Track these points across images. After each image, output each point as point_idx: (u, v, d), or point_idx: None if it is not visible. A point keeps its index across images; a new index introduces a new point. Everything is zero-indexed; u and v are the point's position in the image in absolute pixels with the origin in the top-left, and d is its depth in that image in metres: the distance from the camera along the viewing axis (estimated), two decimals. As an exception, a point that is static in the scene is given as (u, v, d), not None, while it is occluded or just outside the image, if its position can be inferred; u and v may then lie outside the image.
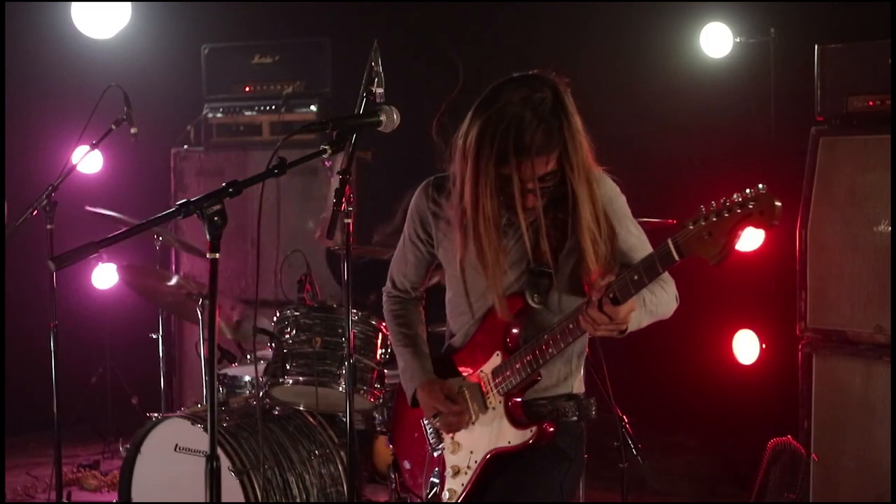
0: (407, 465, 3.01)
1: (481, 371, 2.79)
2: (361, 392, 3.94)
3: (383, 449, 5.02)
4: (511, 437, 2.72)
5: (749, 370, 5.17)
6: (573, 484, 2.82)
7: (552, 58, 2.63)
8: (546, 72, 2.60)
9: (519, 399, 2.73)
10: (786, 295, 4.52)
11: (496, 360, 2.75)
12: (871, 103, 4.21)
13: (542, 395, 2.77)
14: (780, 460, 4.43)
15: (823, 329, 4.28)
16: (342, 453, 4.07)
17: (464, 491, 2.78)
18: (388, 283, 3.06)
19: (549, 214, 2.62)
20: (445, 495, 2.82)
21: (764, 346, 5.08)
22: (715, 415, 5.60)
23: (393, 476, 2.90)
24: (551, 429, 2.70)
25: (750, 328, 5.15)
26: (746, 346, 5.14)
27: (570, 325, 2.59)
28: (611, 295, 2.46)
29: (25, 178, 5.49)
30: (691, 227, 2.29)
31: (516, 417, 2.73)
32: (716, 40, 5.32)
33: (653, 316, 2.66)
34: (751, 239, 4.93)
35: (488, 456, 2.76)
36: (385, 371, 4.08)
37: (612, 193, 2.70)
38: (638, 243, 2.69)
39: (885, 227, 4.10)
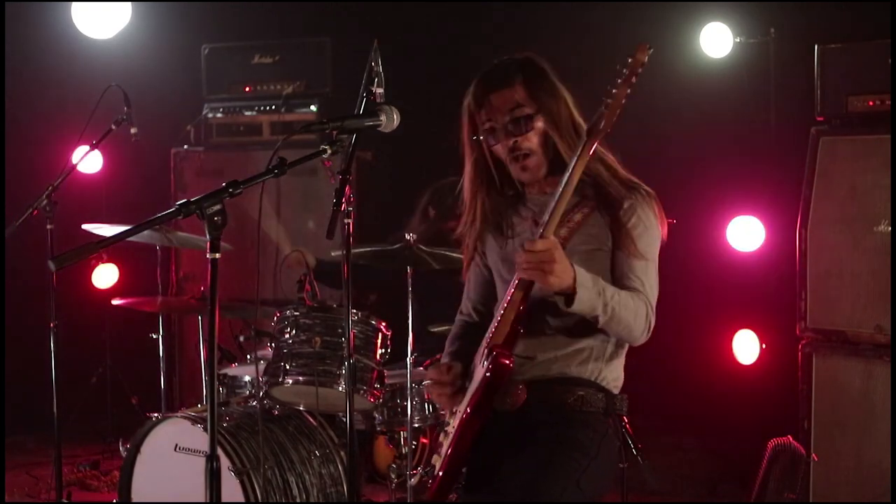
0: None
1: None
2: (361, 392, 3.94)
3: (383, 449, 5.02)
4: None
5: (749, 370, 5.17)
6: (596, 484, 2.59)
7: (551, 57, 2.64)
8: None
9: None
10: (786, 295, 4.51)
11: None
12: (871, 103, 4.21)
13: (569, 371, 2.63)
14: (780, 460, 4.43)
15: (823, 329, 4.28)
16: (342, 453, 4.07)
17: (446, 452, 2.65)
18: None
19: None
20: (435, 458, 2.71)
21: (764, 346, 5.07)
22: (715, 415, 5.60)
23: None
24: (506, 361, 2.51)
25: (750, 328, 5.14)
26: (746, 346, 5.13)
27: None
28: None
29: (25, 178, 5.50)
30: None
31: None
32: (716, 40, 5.31)
33: (610, 312, 2.47)
34: (751, 239, 4.94)
35: (466, 412, 2.59)
36: (385, 371, 4.09)
37: (648, 221, 2.62)
38: (639, 270, 2.57)
39: (885, 227, 4.10)
